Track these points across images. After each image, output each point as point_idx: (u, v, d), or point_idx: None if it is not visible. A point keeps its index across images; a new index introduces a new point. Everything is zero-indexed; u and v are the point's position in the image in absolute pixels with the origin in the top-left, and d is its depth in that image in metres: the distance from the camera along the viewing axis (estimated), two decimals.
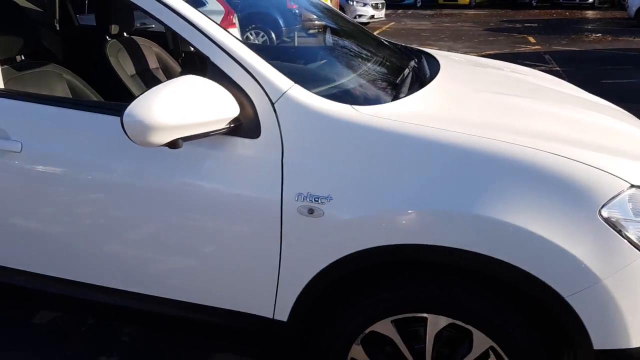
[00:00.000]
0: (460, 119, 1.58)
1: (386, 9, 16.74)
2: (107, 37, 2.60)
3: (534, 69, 2.84)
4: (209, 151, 1.51)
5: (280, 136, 1.47)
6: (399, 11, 22.85)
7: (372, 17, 15.31)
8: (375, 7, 15.37)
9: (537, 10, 22.85)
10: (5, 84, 1.96)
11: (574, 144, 1.47)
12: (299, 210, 1.45)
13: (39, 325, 2.30)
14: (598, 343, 1.37)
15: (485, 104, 1.82)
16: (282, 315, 1.59)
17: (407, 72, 2.03)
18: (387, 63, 2.19)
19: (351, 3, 14.87)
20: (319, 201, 1.43)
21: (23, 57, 2.21)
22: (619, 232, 1.32)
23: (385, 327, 1.53)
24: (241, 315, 1.65)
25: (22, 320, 2.33)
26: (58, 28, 3.31)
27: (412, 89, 1.80)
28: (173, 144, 1.34)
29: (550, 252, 1.31)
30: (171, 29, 1.55)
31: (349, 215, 1.42)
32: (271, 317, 1.61)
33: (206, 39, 1.49)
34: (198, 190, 1.53)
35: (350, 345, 1.58)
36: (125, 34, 2.75)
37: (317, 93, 1.53)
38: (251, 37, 9.31)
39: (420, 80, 1.96)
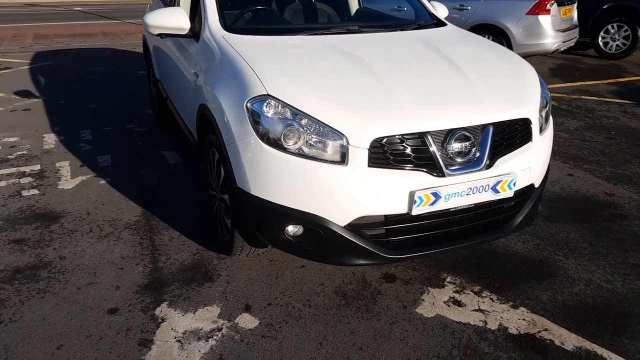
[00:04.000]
0: (269, 56, 2.53)
1: None
2: None
3: None
4: (188, 42, 3.13)
5: (203, 41, 2.92)
6: None
7: None
8: None
9: None
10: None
11: (283, 71, 2.35)
12: (192, 79, 2.92)
13: None
14: (239, 182, 2.33)
15: (304, 53, 2.65)
16: (195, 140, 3.11)
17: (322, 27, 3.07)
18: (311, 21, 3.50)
19: None
20: (196, 75, 2.86)
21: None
22: (251, 119, 2.22)
23: (210, 154, 2.82)
24: (193, 137, 3.24)
25: None
26: None
27: (288, 34, 2.90)
28: (160, 35, 3.03)
29: (222, 114, 2.36)
30: None
31: (200, 85, 2.78)
32: (196, 140, 3.14)
33: None
34: (182, 56, 3.27)
35: (207, 164, 2.94)
36: None
37: (224, 25, 2.86)
38: (611, 30, 8.73)
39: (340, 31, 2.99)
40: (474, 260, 2.82)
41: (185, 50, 3.21)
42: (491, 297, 2.53)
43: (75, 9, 19.03)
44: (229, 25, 2.89)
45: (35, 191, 3.58)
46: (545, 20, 6.97)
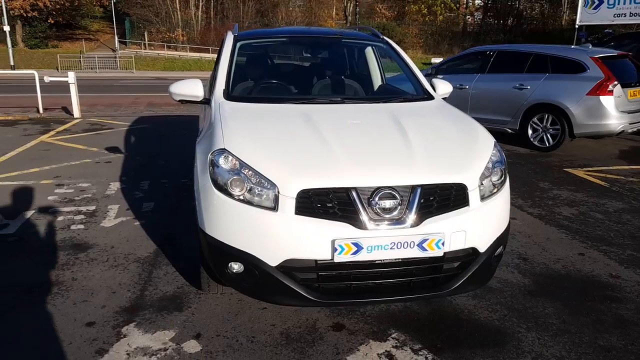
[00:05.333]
0: (241, 119, 2.97)
1: None
2: None
3: None
4: (204, 107, 3.68)
5: (209, 106, 3.45)
6: None
7: None
8: None
9: None
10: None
11: (251, 135, 2.74)
12: (200, 138, 3.44)
13: None
14: (199, 222, 2.71)
15: (273, 117, 3.05)
16: None
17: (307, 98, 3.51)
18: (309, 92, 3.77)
19: None
20: (198, 136, 3.37)
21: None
22: (210, 168, 2.62)
23: None
24: None
25: None
26: None
27: (276, 102, 3.33)
28: (180, 102, 3.61)
29: (196, 165, 2.79)
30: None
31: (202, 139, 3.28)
32: None
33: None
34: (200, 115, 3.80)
35: None
36: None
37: (227, 94, 3.37)
38: None
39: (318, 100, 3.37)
40: (430, 321, 2.87)
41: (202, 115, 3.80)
42: (427, 356, 2.57)
43: None
44: (230, 94, 3.41)
45: (81, 226, 4.25)
46: (607, 101, 6.78)
